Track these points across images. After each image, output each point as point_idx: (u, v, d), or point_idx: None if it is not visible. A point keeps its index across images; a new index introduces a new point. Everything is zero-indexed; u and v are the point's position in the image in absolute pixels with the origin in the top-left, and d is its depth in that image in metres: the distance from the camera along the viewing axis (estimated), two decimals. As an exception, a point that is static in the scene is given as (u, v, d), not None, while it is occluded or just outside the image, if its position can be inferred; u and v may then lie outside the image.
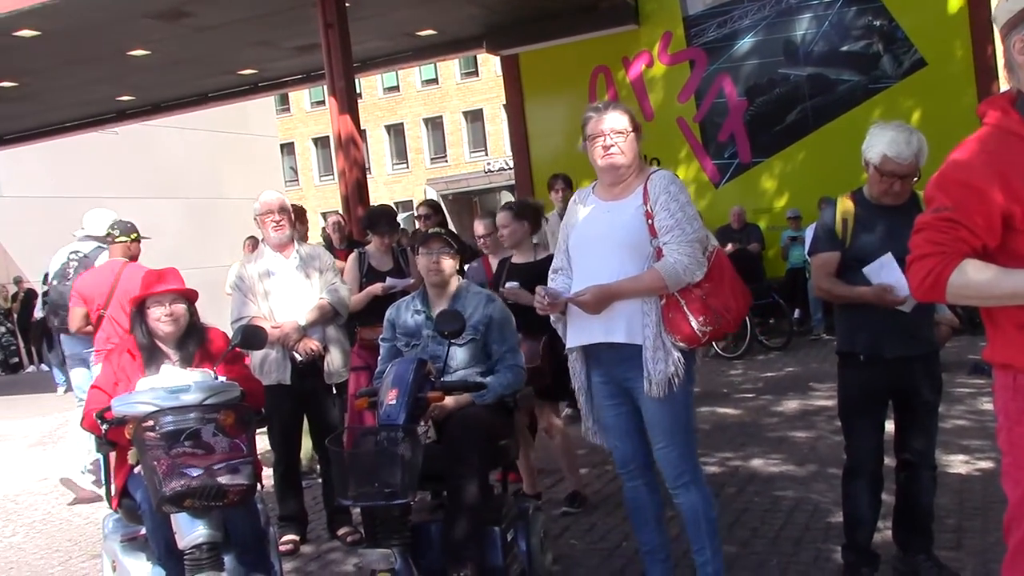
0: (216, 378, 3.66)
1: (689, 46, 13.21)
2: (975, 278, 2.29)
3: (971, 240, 2.31)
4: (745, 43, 12.95)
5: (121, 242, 6.80)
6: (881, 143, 3.71)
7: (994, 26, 2.48)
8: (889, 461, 3.95)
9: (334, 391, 5.32)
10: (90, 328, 6.71)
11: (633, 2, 13.38)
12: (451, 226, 7.01)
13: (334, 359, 5.22)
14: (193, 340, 3.96)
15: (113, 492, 3.88)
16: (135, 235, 6.85)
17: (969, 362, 8.47)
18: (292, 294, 5.17)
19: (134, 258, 6.83)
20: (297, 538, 5.16)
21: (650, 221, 3.56)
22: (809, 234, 9.78)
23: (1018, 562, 2.40)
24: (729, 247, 11.48)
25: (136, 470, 3.57)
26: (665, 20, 13.30)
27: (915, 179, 3.74)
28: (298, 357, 5.08)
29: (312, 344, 5.10)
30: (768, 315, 11.50)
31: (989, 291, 2.30)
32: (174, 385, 3.47)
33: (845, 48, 12.45)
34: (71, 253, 7.45)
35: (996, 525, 4.41)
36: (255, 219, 5.30)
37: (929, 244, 2.35)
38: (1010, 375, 2.39)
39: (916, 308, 3.68)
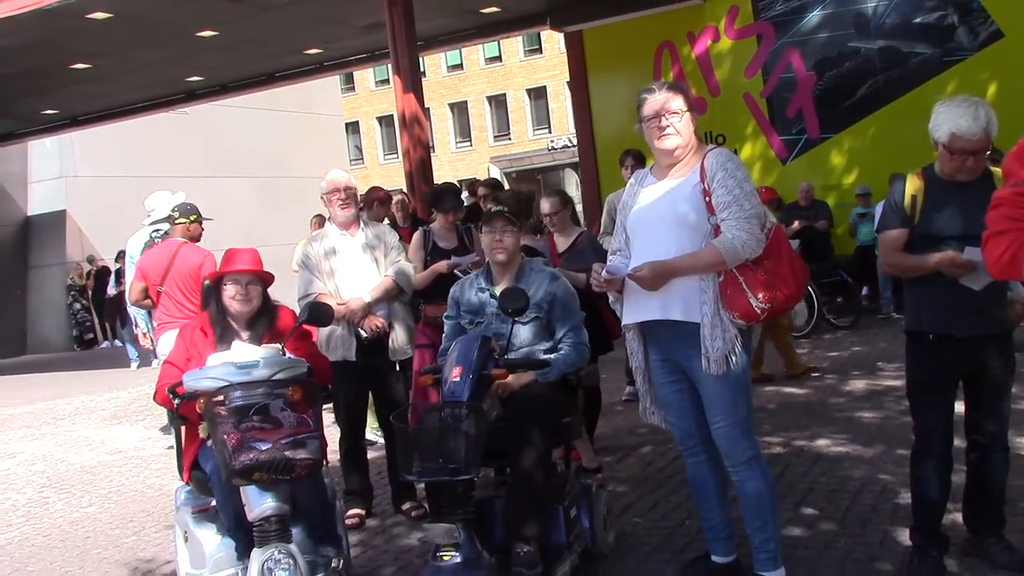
0: (284, 354, 3.73)
1: (756, 20, 12.98)
2: None
3: None
4: (814, 16, 12.68)
5: (180, 223, 7.15)
6: (948, 121, 3.62)
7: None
8: (960, 442, 3.87)
9: (398, 368, 5.37)
10: (149, 302, 7.13)
11: (702, -24, 13.18)
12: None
13: (399, 336, 5.27)
14: (264, 320, 4.03)
15: (185, 465, 3.98)
16: (195, 216, 7.16)
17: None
18: (357, 272, 5.23)
19: (195, 239, 7.16)
20: (363, 512, 5.24)
21: (708, 199, 3.54)
22: (879, 211, 9.62)
23: None
24: (796, 224, 11.31)
25: (207, 444, 3.65)
26: (732, -6, 13.06)
27: (988, 152, 3.64)
28: (363, 334, 5.13)
29: (377, 321, 5.15)
30: (836, 293, 11.29)
31: None
32: (244, 360, 3.54)
33: (918, 20, 12.12)
34: (153, 232, 7.79)
35: (1071, 509, 4.32)
36: (322, 197, 5.36)
37: (1006, 220, 2.28)
38: None
39: (988, 287, 3.59)
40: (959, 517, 4.03)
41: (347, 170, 6.83)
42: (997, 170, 3.77)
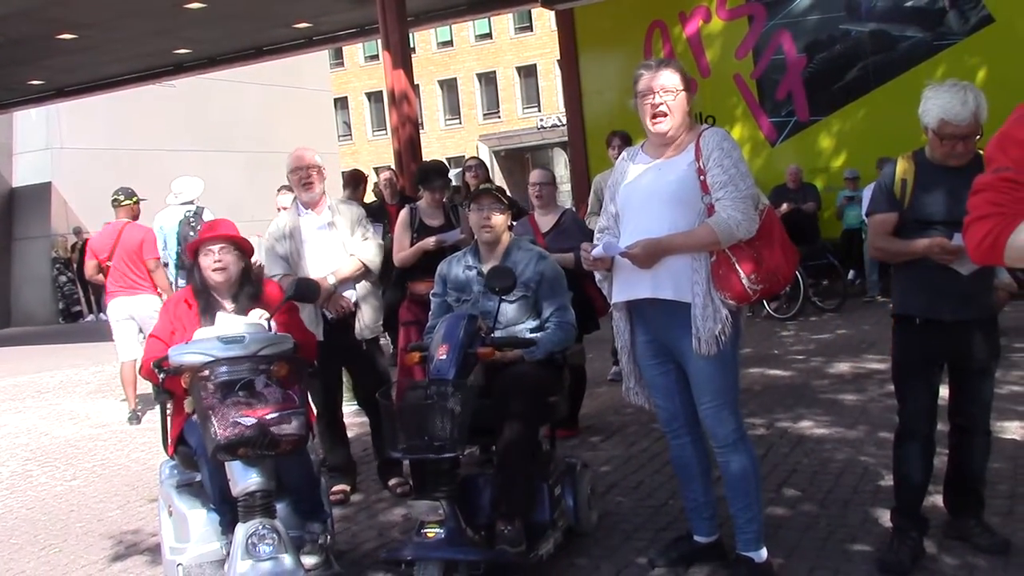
0: (270, 329, 3.72)
1: (748, 1, 12.97)
2: None
3: None
4: (806, -1, 12.67)
5: (126, 205, 8.34)
6: (936, 106, 3.61)
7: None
8: (943, 426, 3.90)
9: (364, 347, 5.34)
10: (100, 277, 8.37)
11: (691, -44, 13.14)
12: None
13: (365, 315, 5.24)
14: (247, 291, 4.02)
15: (170, 439, 3.97)
16: (135, 198, 8.40)
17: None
18: (323, 251, 5.20)
19: (135, 217, 8.38)
20: (347, 488, 5.25)
21: (702, 178, 3.53)
22: (867, 195, 9.61)
23: None
24: (785, 207, 11.36)
25: (193, 418, 3.64)
26: (724, -26, 13.03)
27: (978, 137, 3.64)
28: (329, 315, 5.12)
29: (343, 301, 5.14)
30: (822, 276, 11.35)
31: None
32: (230, 335, 3.54)
33: (909, 3, 12.15)
34: (187, 211, 8.69)
35: (1050, 492, 4.37)
36: (287, 175, 5.33)
37: (988, 205, 2.28)
38: None
39: (976, 272, 3.61)
40: (939, 500, 4.06)
41: (336, 146, 6.80)
42: (984, 152, 3.79)
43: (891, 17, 12.23)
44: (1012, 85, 10.99)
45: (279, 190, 7.95)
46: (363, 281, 5.28)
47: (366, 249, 5.27)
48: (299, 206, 5.31)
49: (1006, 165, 2.28)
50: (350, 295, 5.21)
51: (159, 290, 8.13)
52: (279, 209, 6.07)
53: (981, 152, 3.73)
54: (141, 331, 7.96)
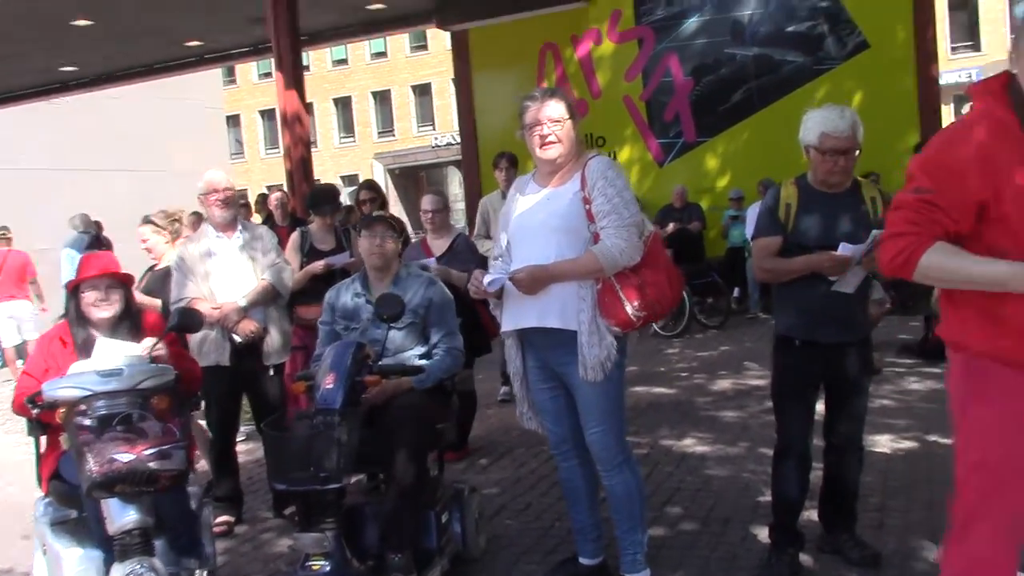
0: (150, 360, 3.65)
1: (638, 24, 13.24)
2: (946, 262, 2.37)
3: (946, 224, 2.38)
4: (693, 22, 13.02)
5: (7, 238, 11.32)
6: (816, 123, 3.79)
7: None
8: (819, 442, 4.04)
9: (272, 372, 5.30)
10: None
11: (584, -21, 13.35)
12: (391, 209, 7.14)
13: (273, 340, 5.20)
14: (127, 324, 3.93)
15: (43, 476, 3.85)
16: (8, 233, 11.38)
17: (898, 342, 8.68)
18: (234, 275, 5.14)
19: (10, 244, 11.32)
20: (232, 519, 5.16)
21: (588, 206, 3.59)
22: (751, 214, 9.95)
23: (959, 536, 2.53)
24: (671, 226, 11.62)
25: (70, 453, 3.54)
26: (616, -2, 13.28)
27: (856, 153, 3.80)
28: (237, 339, 5.06)
29: (252, 325, 5.08)
30: (707, 294, 11.59)
31: (958, 275, 2.39)
32: (107, 369, 3.45)
33: (791, 29, 12.56)
34: (88, 238, 12.38)
35: (918, 504, 4.58)
36: (199, 198, 5.25)
37: (905, 223, 2.41)
38: (964, 356, 2.50)
39: (854, 293, 3.78)
40: (815, 515, 4.20)
41: (228, 164, 6.70)
42: (864, 181, 3.98)
43: (774, 42, 12.65)
44: (887, 107, 11.61)
45: (144, 221, 7.40)
46: (272, 306, 5.23)
47: (276, 273, 5.22)
48: (211, 228, 5.23)
49: (928, 187, 2.39)
50: (259, 319, 5.15)
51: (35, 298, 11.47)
52: (143, 242, 5.93)
53: (859, 179, 3.93)
54: (20, 329, 11.28)
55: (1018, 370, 2.40)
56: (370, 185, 7.83)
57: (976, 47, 34.04)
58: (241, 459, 5.61)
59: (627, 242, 3.54)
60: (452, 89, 32.11)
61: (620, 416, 3.74)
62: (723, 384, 7.99)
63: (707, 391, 7.80)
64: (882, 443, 5.68)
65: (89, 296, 3.85)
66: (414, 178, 41.79)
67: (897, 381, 7.33)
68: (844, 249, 3.72)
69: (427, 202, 6.20)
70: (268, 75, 38.58)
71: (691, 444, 6.09)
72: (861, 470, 4.11)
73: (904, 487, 4.93)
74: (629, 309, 3.54)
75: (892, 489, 4.90)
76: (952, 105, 29.77)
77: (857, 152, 3.79)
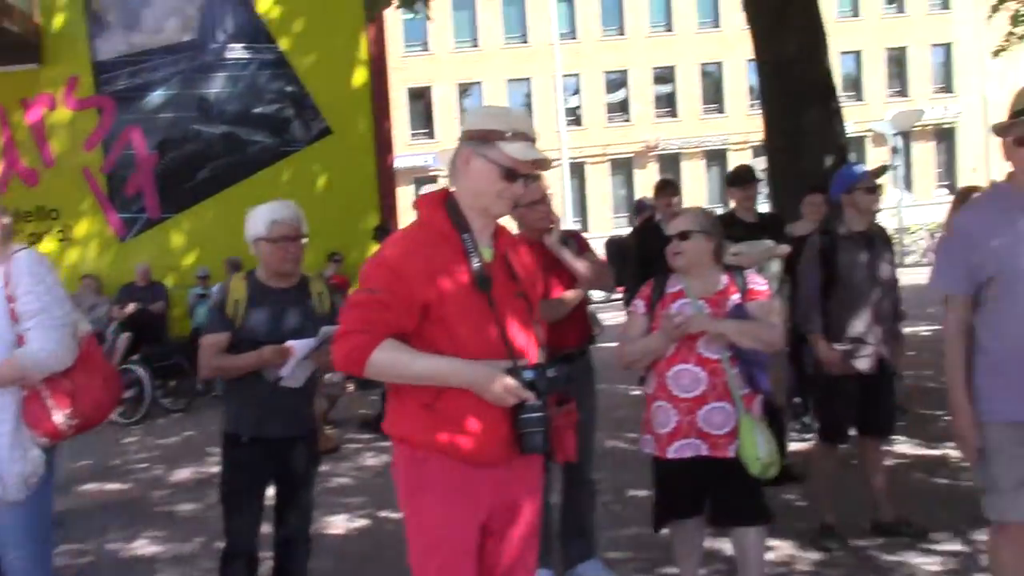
0: None
1: (98, 93, 12.62)
2: (396, 359, 2.54)
3: (395, 322, 2.55)
4: (158, 95, 12.72)
5: None
6: (264, 214, 3.88)
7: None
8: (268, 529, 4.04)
9: None
10: None
11: (35, 40, 12.38)
12: None
13: None
14: None
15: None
16: None
17: (358, 417, 9.03)
18: None
19: None
20: None
21: (12, 305, 3.27)
22: (216, 292, 9.77)
23: None
24: (132, 306, 11.12)
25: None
26: (72, 63, 12.54)
27: (304, 242, 3.92)
28: None
29: None
30: (170, 376, 11.13)
31: (404, 371, 2.57)
32: None
33: (258, 110, 12.79)
34: None
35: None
36: None
37: (359, 322, 2.55)
38: (409, 449, 2.65)
39: (299, 388, 3.85)
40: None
41: None
42: (312, 276, 4.14)
43: (241, 121, 12.77)
44: (349, 189, 12.33)
45: None
46: None
47: None
48: None
49: (378, 288, 2.56)
50: None
51: None
52: None
53: (307, 275, 4.05)
54: None
55: (456, 460, 2.61)
56: None
57: (431, 135, 37.97)
58: None
59: (58, 344, 3.28)
60: None
61: (48, 538, 3.44)
62: (183, 474, 7.69)
63: (165, 483, 7.45)
64: (337, 524, 5.81)
65: None
66: None
67: (354, 458, 7.57)
68: (293, 344, 3.80)
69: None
70: None
71: (142, 545, 5.75)
72: (308, 559, 4.14)
73: (357, 568, 5.07)
74: (60, 417, 3.28)
75: (343, 572, 5.01)
76: (413, 185, 32.68)
77: (304, 240, 3.92)
